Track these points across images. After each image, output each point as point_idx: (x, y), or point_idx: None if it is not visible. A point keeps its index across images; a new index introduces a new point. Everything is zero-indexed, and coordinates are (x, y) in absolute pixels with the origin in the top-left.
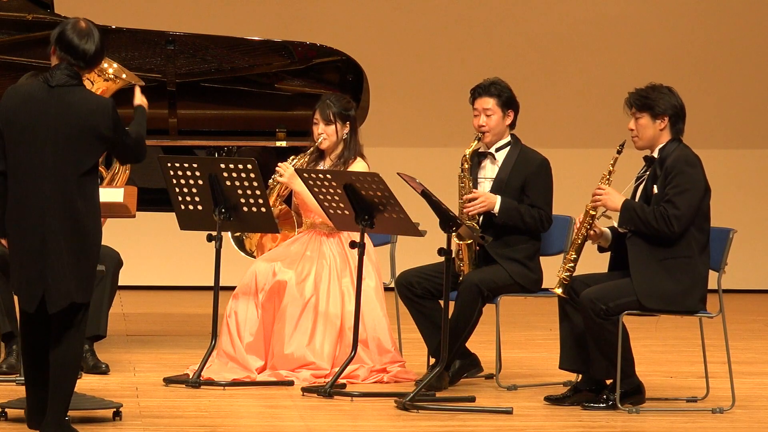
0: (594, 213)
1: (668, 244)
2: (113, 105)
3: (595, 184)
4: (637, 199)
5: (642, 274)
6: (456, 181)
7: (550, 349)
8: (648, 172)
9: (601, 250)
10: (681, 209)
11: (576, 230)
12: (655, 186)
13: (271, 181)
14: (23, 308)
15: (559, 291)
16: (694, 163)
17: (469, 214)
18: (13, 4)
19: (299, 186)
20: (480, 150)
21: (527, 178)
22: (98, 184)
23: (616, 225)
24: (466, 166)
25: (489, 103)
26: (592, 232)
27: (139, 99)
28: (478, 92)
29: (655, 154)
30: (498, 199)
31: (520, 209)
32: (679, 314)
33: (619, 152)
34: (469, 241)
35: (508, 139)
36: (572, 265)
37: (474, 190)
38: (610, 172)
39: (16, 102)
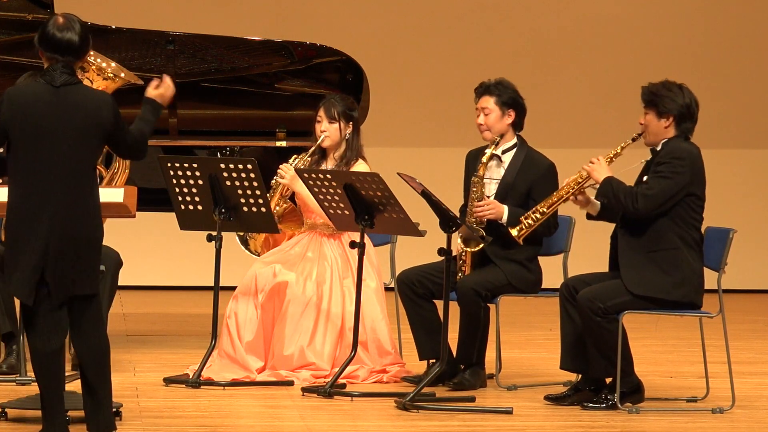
0: (581, 181)
1: (652, 237)
2: (113, 100)
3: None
4: None
5: (629, 264)
6: (455, 181)
7: (550, 349)
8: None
9: (589, 217)
10: (652, 190)
11: (560, 187)
12: (645, 176)
13: (273, 181)
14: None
15: (514, 232)
16: (681, 156)
17: (476, 216)
18: (13, 4)
19: (300, 187)
20: (487, 151)
21: (534, 182)
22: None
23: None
24: (482, 172)
25: (488, 101)
26: (573, 197)
27: (153, 92)
28: (479, 91)
29: (659, 148)
30: (505, 209)
31: None
32: (676, 308)
33: (634, 140)
34: (476, 249)
35: (514, 140)
36: (538, 216)
37: (486, 196)
38: (616, 154)
39: (22, 104)
